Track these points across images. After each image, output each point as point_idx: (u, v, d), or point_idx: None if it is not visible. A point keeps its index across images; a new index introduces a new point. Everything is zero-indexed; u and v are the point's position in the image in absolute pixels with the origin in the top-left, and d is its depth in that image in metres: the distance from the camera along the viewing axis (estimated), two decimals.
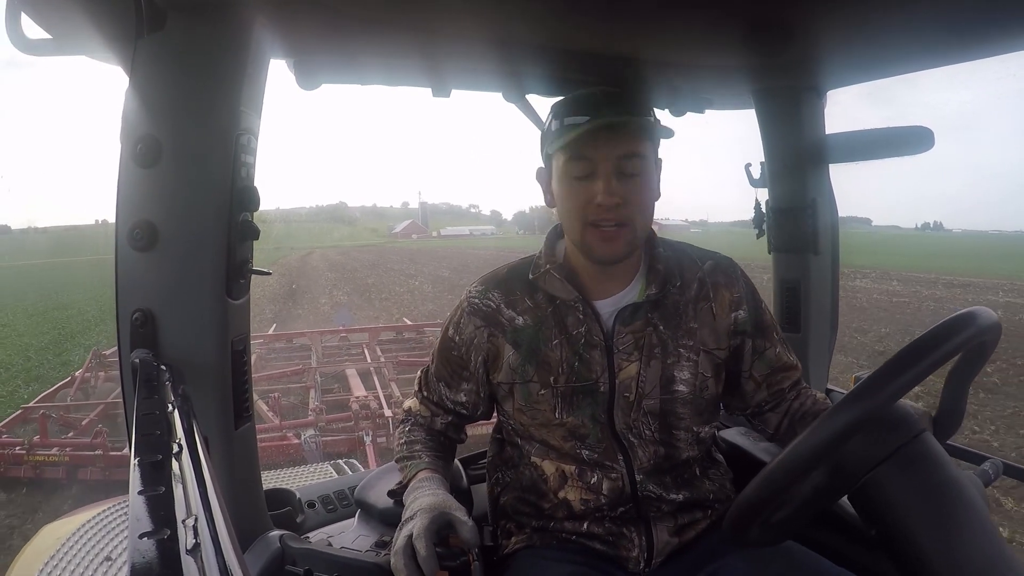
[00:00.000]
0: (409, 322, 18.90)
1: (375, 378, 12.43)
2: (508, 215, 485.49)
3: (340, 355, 15.14)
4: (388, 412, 9.68)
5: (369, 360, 13.97)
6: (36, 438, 8.93)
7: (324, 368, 13.32)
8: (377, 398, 10.58)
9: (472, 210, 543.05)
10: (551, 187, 2.02)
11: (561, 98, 1.97)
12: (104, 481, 8.13)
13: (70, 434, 9.78)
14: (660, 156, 1.98)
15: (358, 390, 11.24)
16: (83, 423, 10.09)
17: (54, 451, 8.71)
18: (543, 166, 2.07)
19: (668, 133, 1.93)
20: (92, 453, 8.46)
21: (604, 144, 1.85)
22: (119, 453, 8.37)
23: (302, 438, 8.81)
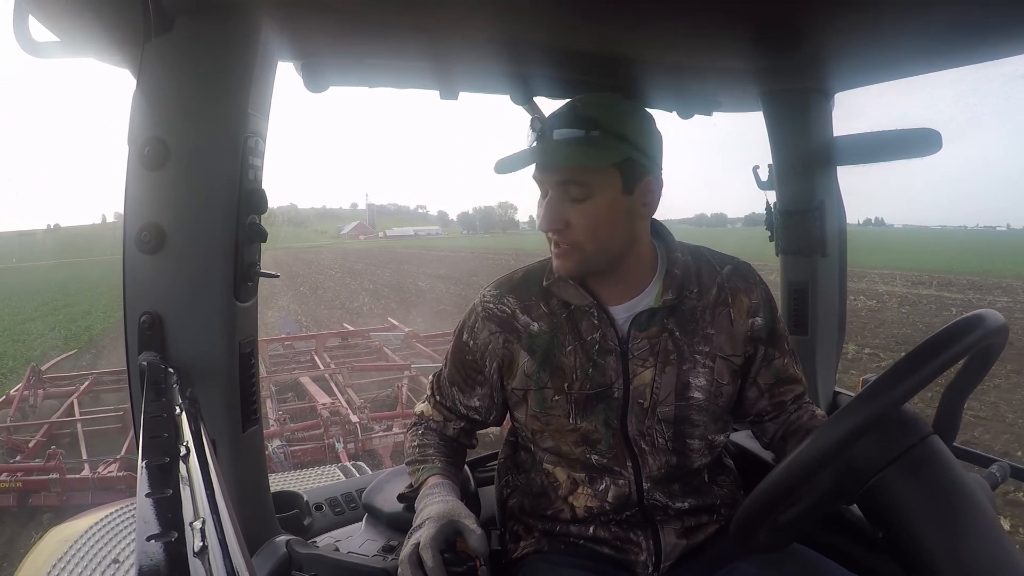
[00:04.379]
0: (351, 327, 18.71)
1: (332, 385, 12.36)
2: (454, 215, 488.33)
3: (289, 363, 14.94)
4: (354, 418, 9.67)
5: (321, 367, 13.89)
6: None
7: (275, 377, 13.08)
8: (342, 404, 10.56)
9: (420, 211, 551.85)
10: None
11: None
12: (60, 507, 7.61)
13: (17, 458, 9.24)
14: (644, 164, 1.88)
15: (321, 397, 11.15)
16: (30, 445, 9.60)
17: (3, 477, 8.07)
18: None
19: (623, 151, 1.83)
20: (47, 477, 7.96)
21: (549, 168, 1.86)
22: (77, 476, 8.06)
23: (270, 449, 8.65)
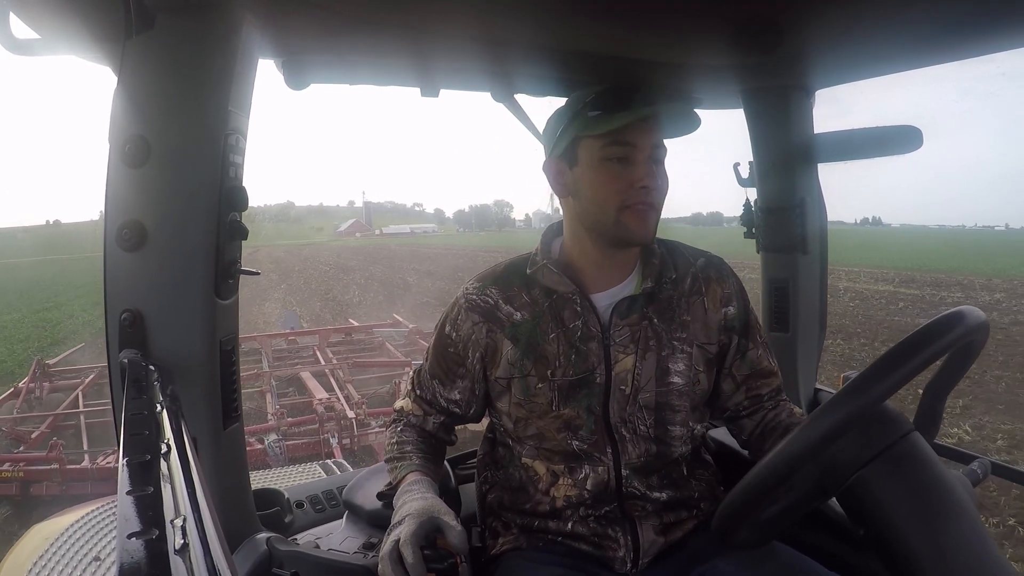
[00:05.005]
0: (355, 323, 18.78)
1: (332, 380, 12.40)
2: (450, 213, 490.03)
3: (292, 358, 15.02)
4: (351, 414, 9.69)
5: (323, 363, 13.92)
6: None
7: (276, 372, 13.16)
8: (339, 400, 10.59)
9: (416, 208, 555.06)
10: (566, 177, 2.05)
11: (585, 91, 2.01)
12: (61, 496, 7.74)
13: (20, 448, 9.44)
14: None
15: (319, 392, 11.20)
16: (33, 436, 9.79)
17: (6, 466, 8.29)
18: (552, 158, 2.08)
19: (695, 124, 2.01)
20: (47, 467, 8.16)
21: (644, 132, 1.92)
22: (77, 467, 8.22)
23: (265, 443, 8.74)
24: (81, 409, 10.86)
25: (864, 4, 1.90)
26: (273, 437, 8.93)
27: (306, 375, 12.70)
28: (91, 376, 12.97)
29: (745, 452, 2.25)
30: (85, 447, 9.20)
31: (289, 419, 9.93)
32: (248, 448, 8.30)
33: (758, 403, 2.16)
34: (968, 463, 1.96)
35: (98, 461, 8.26)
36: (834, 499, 1.59)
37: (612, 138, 1.91)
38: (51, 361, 14.01)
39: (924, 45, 2.22)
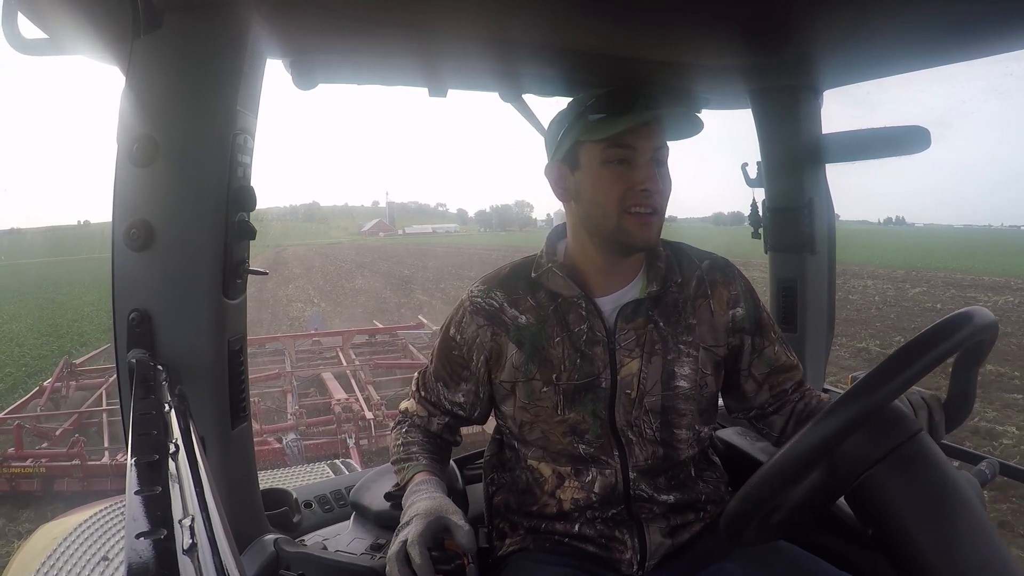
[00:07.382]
0: (380, 324, 18.82)
1: (352, 381, 12.44)
2: (472, 213, 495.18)
3: (314, 359, 15.12)
4: (369, 415, 9.73)
5: (344, 364, 13.97)
6: (11, 450, 8.68)
7: (299, 372, 13.23)
8: (357, 401, 10.63)
9: (440, 208, 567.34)
10: (568, 181, 2.04)
11: (587, 94, 2.00)
12: (82, 492, 7.84)
13: (44, 445, 9.57)
14: None
15: (338, 393, 11.26)
16: (57, 433, 9.94)
17: (29, 463, 8.41)
18: (553, 162, 2.07)
19: (699, 127, 2.00)
20: (69, 463, 8.28)
21: (645, 136, 1.90)
22: (97, 463, 8.36)
23: (284, 442, 8.80)
24: (104, 407, 10.98)
25: (872, 4, 1.90)
26: (292, 436, 9.02)
27: (327, 375, 12.78)
28: (115, 376, 12.97)
29: (754, 453, 2.24)
30: (106, 444, 9.37)
31: (308, 419, 10.02)
32: (267, 447, 8.43)
33: (783, 398, 2.16)
34: (976, 463, 1.96)
35: (118, 457, 8.40)
36: (842, 499, 1.59)
37: (613, 141, 1.90)
38: (78, 361, 14.20)
39: (933, 44, 2.22)
